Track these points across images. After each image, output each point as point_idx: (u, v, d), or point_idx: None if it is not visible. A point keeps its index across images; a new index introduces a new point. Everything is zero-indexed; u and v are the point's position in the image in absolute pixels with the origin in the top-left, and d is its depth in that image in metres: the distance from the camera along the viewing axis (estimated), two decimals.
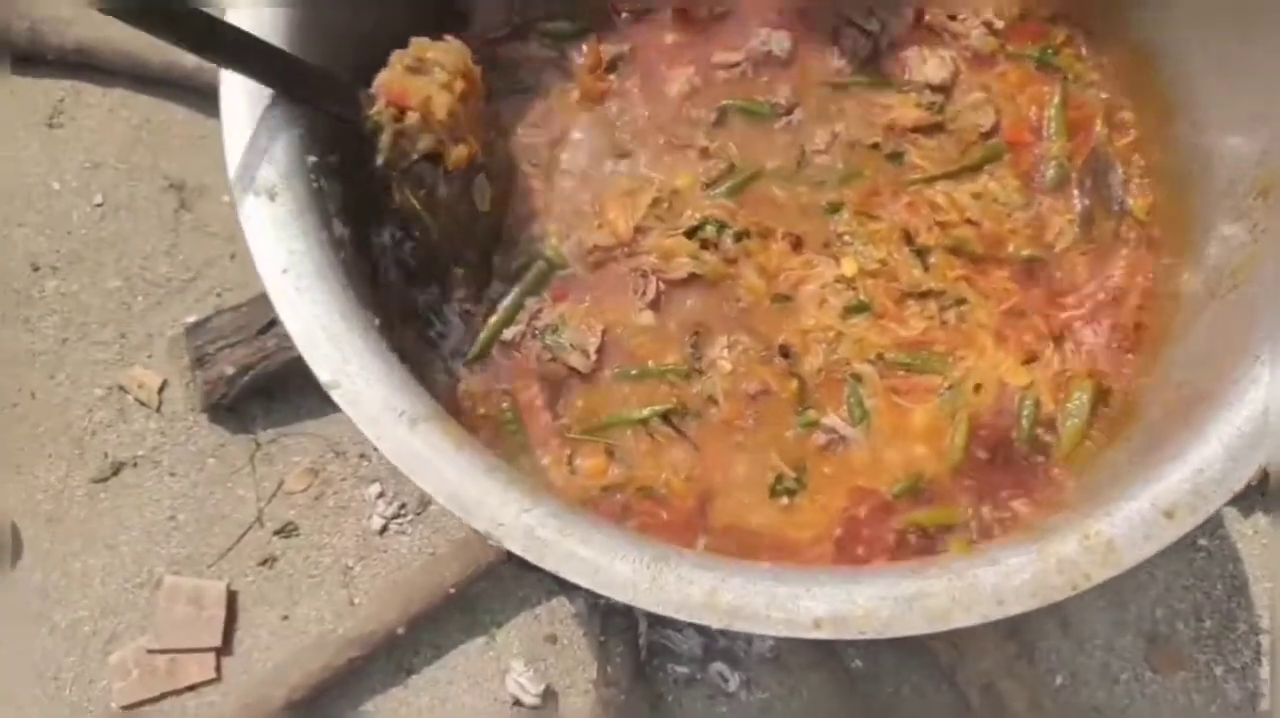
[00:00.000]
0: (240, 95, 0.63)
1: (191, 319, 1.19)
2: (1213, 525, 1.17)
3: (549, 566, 0.58)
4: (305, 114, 0.65)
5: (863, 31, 0.88)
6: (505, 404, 0.81)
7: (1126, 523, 0.58)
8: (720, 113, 0.89)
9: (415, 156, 0.73)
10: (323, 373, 0.59)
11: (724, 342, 0.84)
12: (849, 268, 0.86)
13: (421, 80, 0.72)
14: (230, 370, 1.14)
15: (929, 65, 0.90)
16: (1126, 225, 0.88)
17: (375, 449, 0.59)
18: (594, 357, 0.82)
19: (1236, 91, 0.77)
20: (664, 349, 0.84)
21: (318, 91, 0.68)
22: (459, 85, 0.74)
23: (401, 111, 0.71)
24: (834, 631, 0.56)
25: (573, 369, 0.81)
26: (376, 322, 0.64)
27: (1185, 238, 0.82)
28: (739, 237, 0.86)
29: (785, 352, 0.84)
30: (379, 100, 0.71)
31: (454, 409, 0.78)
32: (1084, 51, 0.91)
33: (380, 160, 0.71)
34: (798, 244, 0.87)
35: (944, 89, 0.90)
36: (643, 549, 0.58)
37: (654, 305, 0.85)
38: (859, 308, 0.85)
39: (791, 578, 0.58)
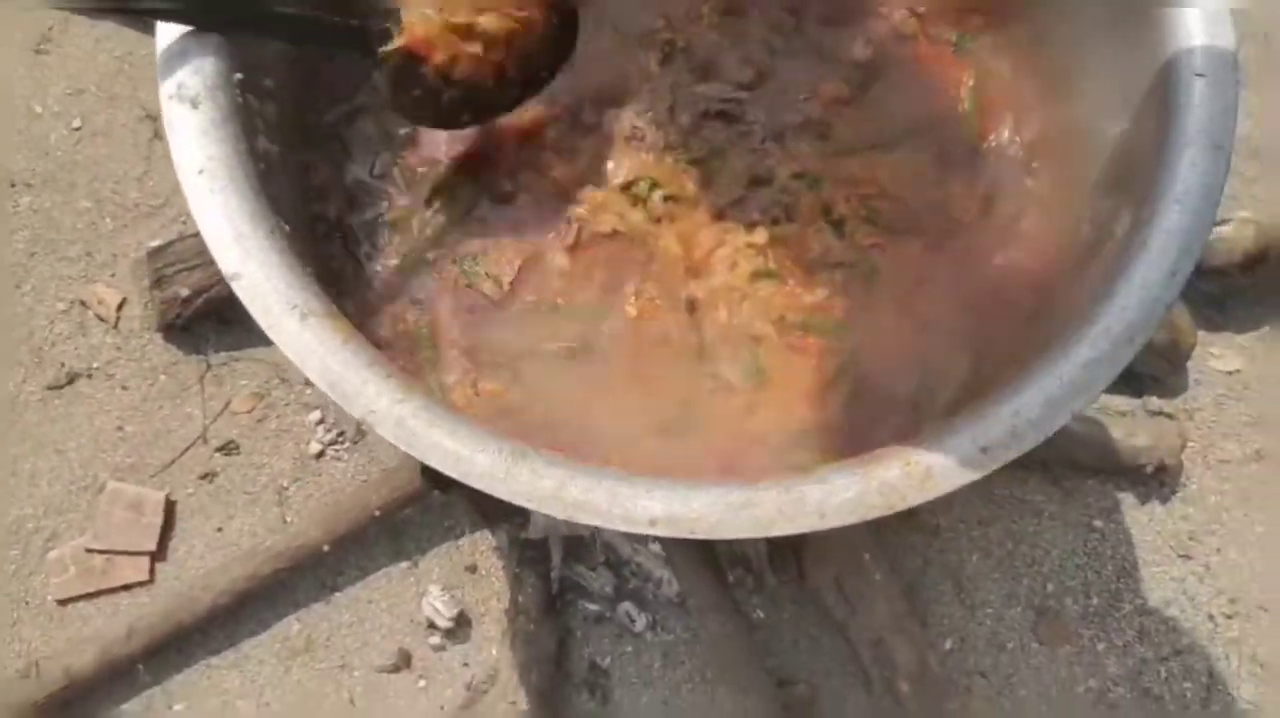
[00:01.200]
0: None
1: (155, 243, 1.25)
2: (1109, 509, 1.22)
3: (416, 453, 0.63)
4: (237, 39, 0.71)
5: (788, 10, 0.93)
6: (422, 322, 0.86)
7: (944, 455, 0.64)
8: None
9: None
10: (226, 266, 0.65)
11: (632, 289, 0.89)
12: (761, 236, 0.91)
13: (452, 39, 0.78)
14: (185, 292, 1.20)
15: (855, 45, 0.96)
16: (1027, 202, 0.93)
17: None
18: (507, 288, 0.88)
19: (1116, 71, 0.82)
20: (574, 289, 0.89)
21: (324, 42, 0.74)
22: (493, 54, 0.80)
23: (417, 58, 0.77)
24: (668, 529, 0.62)
25: (486, 296, 0.87)
26: (287, 228, 0.70)
27: (1071, 214, 0.87)
28: (667, 199, 0.91)
29: (692, 306, 0.90)
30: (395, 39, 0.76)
31: (371, 320, 0.83)
32: (995, 38, 0.96)
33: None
34: (719, 215, 0.92)
35: (866, 66, 0.96)
36: (502, 445, 0.64)
37: (571, 249, 0.90)
38: (767, 274, 0.90)
39: (635, 481, 0.64)
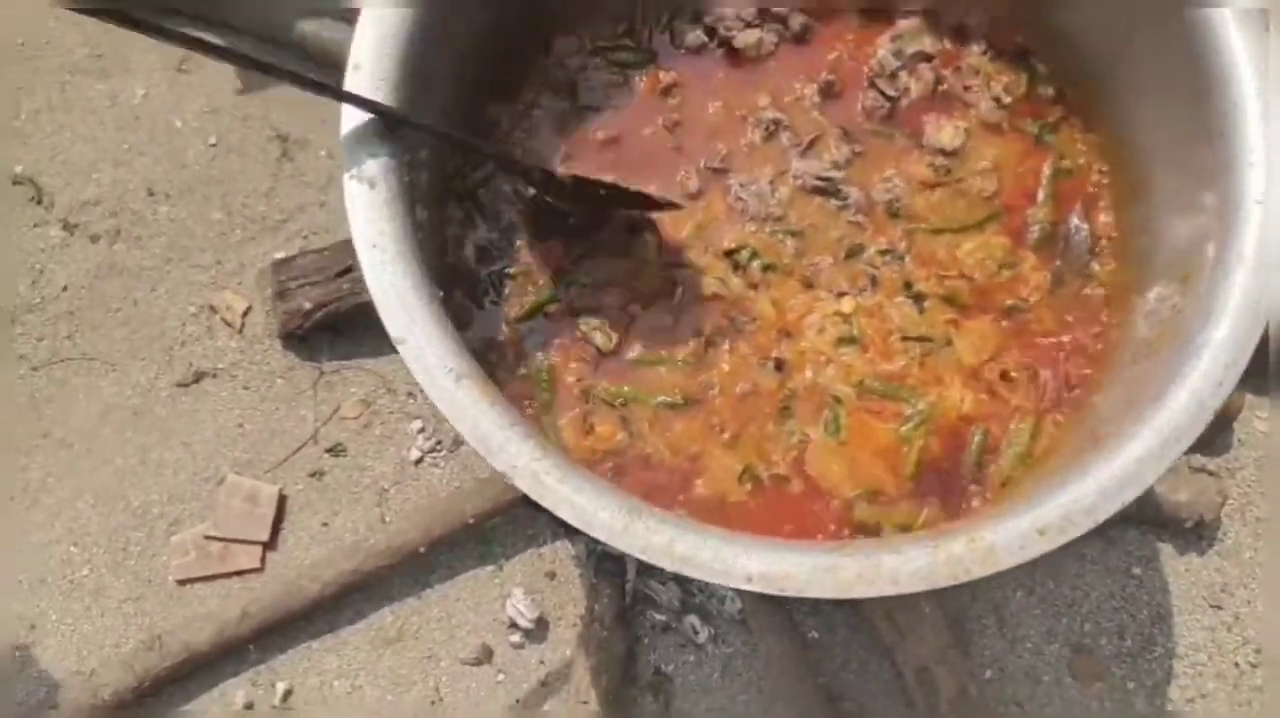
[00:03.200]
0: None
1: (279, 255, 1.36)
2: (1148, 558, 1.31)
3: (547, 504, 0.73)
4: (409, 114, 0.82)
5: (883, 94, 1.02)
6: (542, 368, 0.97)
7: (1006, 534, 0.73)
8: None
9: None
10: (394, 330, 0.75)
11: (727, 346, 0.99)
12: (848, 305, 1.00)
13: None
14: (307, 305, 1.31)
15: (944, 132, 1.04)
16: (1091, 287, 1.01)
17: (423, 393, 0.75)
18: (616, 341, 0.97)
19: (1183, 181, 0.90)
20: (676, 344, 0.99)
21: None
22: None
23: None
24: (762, 585, 0.72)
25: (597, 348, 0.97)
26: (440, 294, 0.80)
27: (1128, 305, 0.95)
28: (766, 267, 1.01)
29: (780, 365, 0.99)
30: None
31: (499, 363, 0.94)
32: (1076, 131, 1.04)
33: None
34: (810, 284, 1.01)
35: (955, 153, 1.04)
36: (622, 502, 0.74)
37: (675, 309, 1.00)
38: (850, 339, 1.00)
39: (736, 541, 0.74)
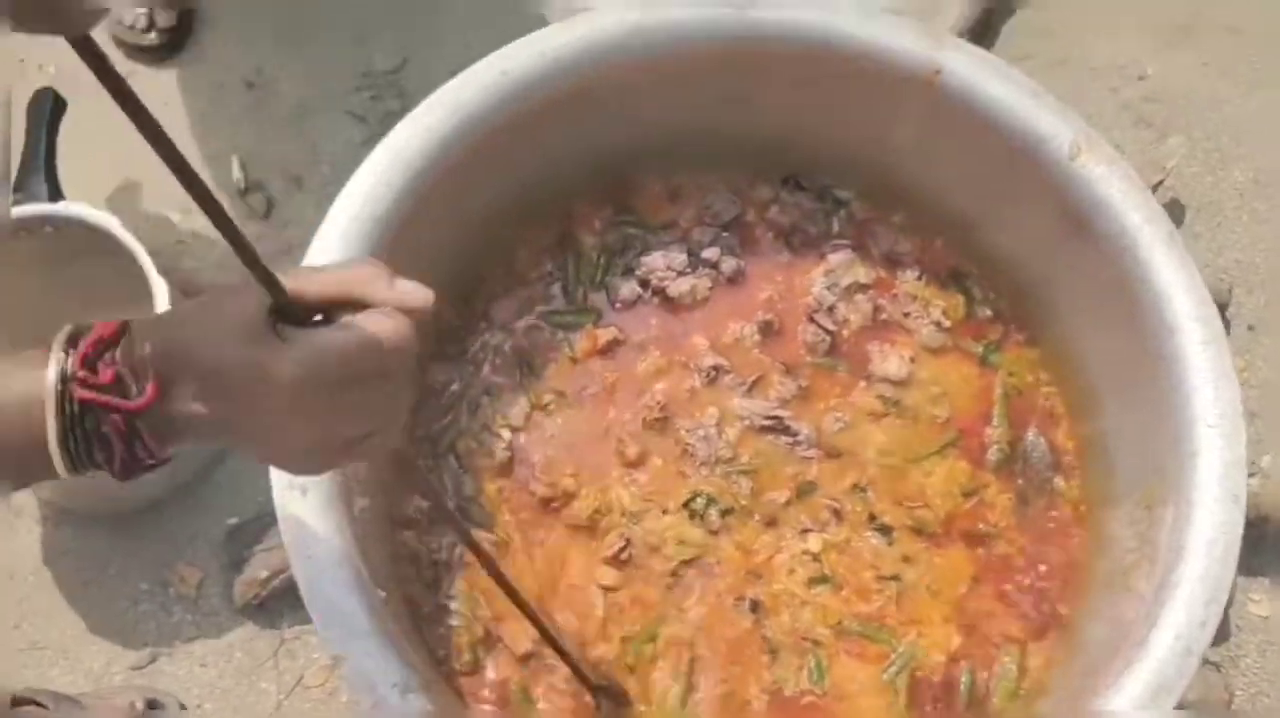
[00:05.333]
0: None
1: (233, 521, 1.33)
2: None
3: None
4: None
5: (823, 329, 1.02)
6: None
7: None
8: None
9: None
10: (331, 648, 0.72)
11: (698, 594, 0.95)
12: (815, 543, 0.97)
13: None
14: (264, 573, 1.27)
15: (889, 362, 1.03)
16: (1058, 506, 0.99)
17: None
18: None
19: (1131, 399, 0.89)
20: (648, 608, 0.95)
21: None
22: None
23: None
24: None
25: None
26: (383, 595, 0.77)
27: (1098, 526, 0.93)
28: (724, 512, 0.98)
29: (755, 607, 0.95)
30: None
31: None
32: (1020, 347, 1.04)
33: None
34: (771, 522, 0.98)
35: (902, 382, 1.03)
36: None
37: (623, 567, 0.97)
38: (824, 580, 0.96)
39: None
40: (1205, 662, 1.29)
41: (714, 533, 0.97)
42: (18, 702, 1.18)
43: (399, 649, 0.73)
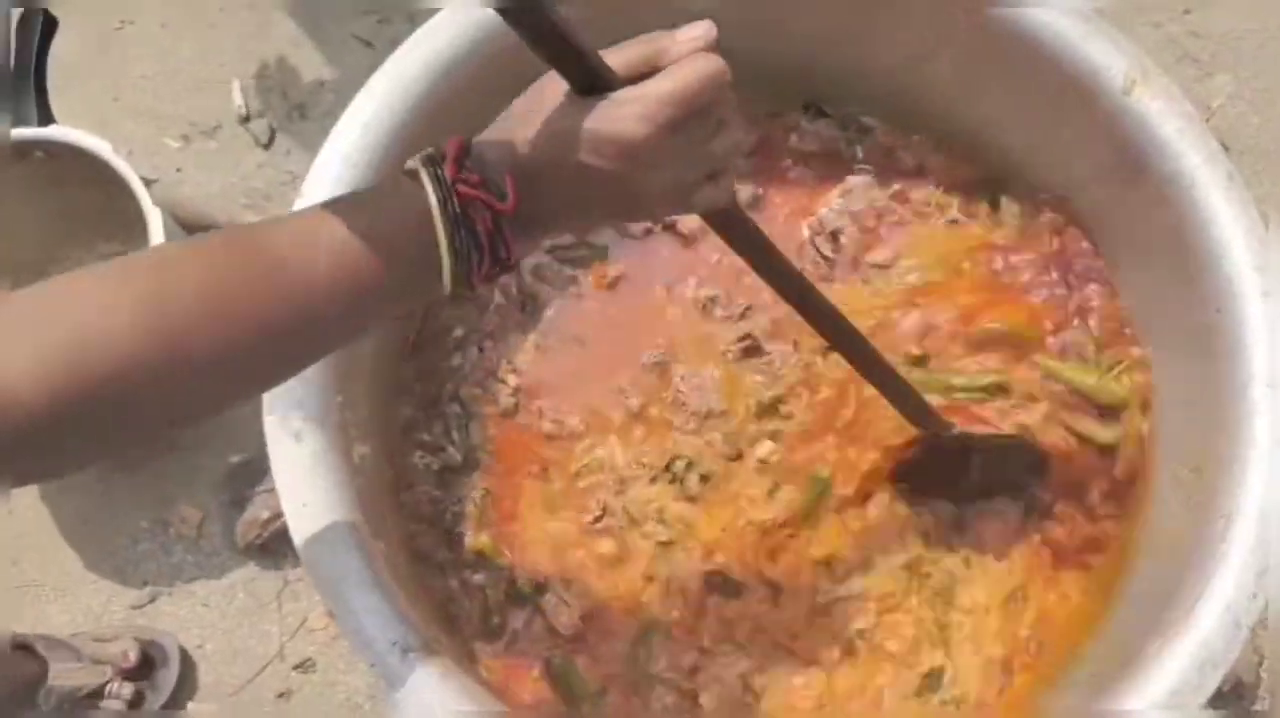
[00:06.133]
0: None
1: (236, 459, 1.29)
2: None
3: None
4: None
5: (820, 254, 0.97)
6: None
7: None
8: None
9: None
10: (328, 604, 0.68)
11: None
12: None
13: None
14: (265, 514, 1.23)
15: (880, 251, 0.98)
16: None
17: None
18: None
19: (1178, 359, 0.84)
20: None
21: None
22: None
23: None
24: None
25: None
26: (382, 547, 0.73)
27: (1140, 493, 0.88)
28: (704, 478, 0.92)
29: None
30: None
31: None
32: None
33: None
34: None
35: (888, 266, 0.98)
36: None
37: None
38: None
39: None
40: None
41: (692, 500, 0.92)
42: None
43: (397, 606, 0.69)
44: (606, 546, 0.90)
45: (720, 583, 0.89)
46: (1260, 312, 0.74)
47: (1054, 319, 0.94)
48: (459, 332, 0.95)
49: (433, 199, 0.51)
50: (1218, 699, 1.20)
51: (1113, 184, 0.86)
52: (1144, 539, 0.83)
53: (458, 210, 0.51)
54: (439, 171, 0.52)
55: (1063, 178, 0.93)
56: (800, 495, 0.91)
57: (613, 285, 0.97)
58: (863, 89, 0.99)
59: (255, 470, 1.27)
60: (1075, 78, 0.84)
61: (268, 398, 0.73)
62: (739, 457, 0.93)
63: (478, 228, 0.52)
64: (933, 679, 0.86)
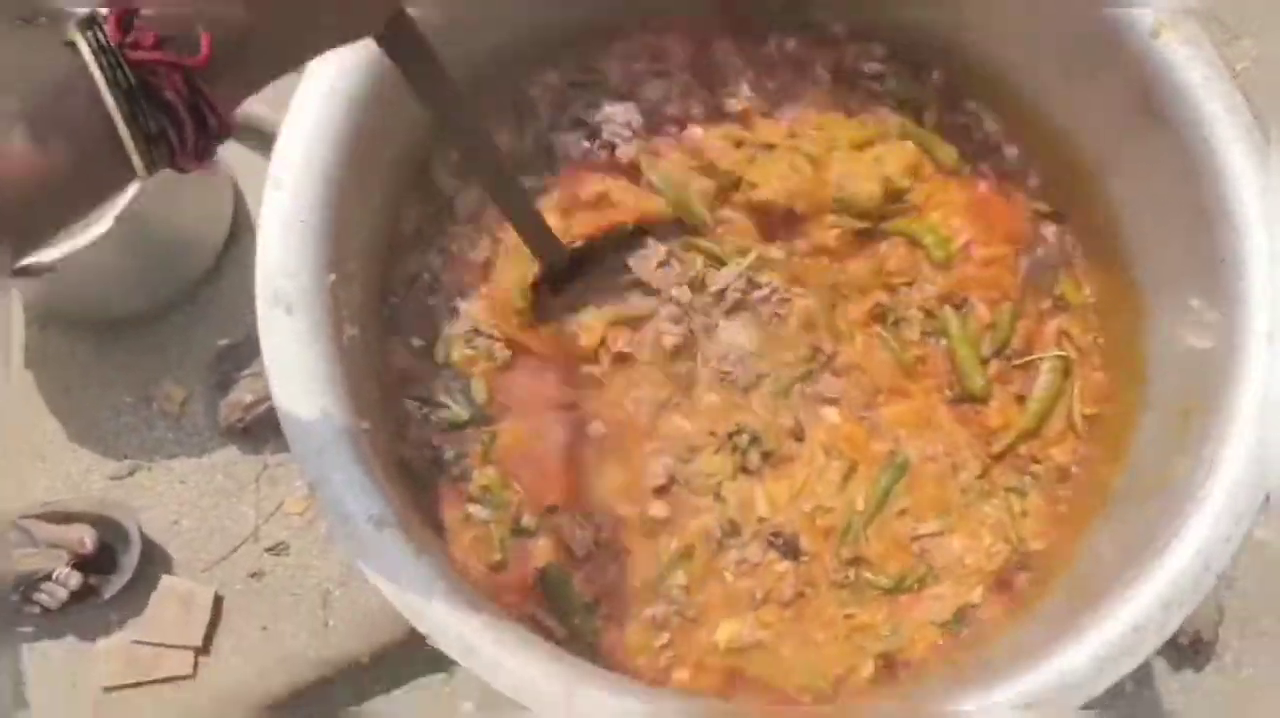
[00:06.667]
0: (275, 214, 0.72)
1: (224, 343, 1.28)
2: (1142, 676, 1.23)
3: (477, 670, 0.66)
4: (330, 234, 0.74)
5: None
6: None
7: (992, 713, 0.66)
8: None
9: None
10: (309, 475, 0.68)
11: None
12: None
13: None
14: (249, 398, 1.23)
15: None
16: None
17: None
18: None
19: (1179, 308, 0.84)
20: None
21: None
22: None
23: None
24: None
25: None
26: (366, 426, 0.73)
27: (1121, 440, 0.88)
28: (766, 455, 0.92)
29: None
30: None
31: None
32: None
33: None
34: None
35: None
36: (563, 672, 0.66)
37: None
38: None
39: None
40: None
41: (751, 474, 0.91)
42: None
43: (376, 481, 0.69)
44: (659, 509, 0.90)
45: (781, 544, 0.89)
46: (1266, 267, 0.74)
47: None
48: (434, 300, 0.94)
49: (96, 73, 0.42)
50: (1175, 653, 1.23)
51: (1130, 127, 0.85)
52: (1124, 481, 0.84)
53: (131, 81, 0.42)
54: (99, 37, 0.43)
55: (1079, 120, 0.92)
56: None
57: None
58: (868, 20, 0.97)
59: (243, 354, 1.26)
60: (1104, 17, 0.82)
61: (261, 269, 0.72)
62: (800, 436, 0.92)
63: (166, 95, 0.43)
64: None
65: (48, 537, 1.18)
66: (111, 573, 1.20)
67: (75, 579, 1.18)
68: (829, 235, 0.94)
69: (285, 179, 0.71)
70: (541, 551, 0.87)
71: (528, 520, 0.87)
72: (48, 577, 1.17)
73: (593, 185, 0.92)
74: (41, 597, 1.18)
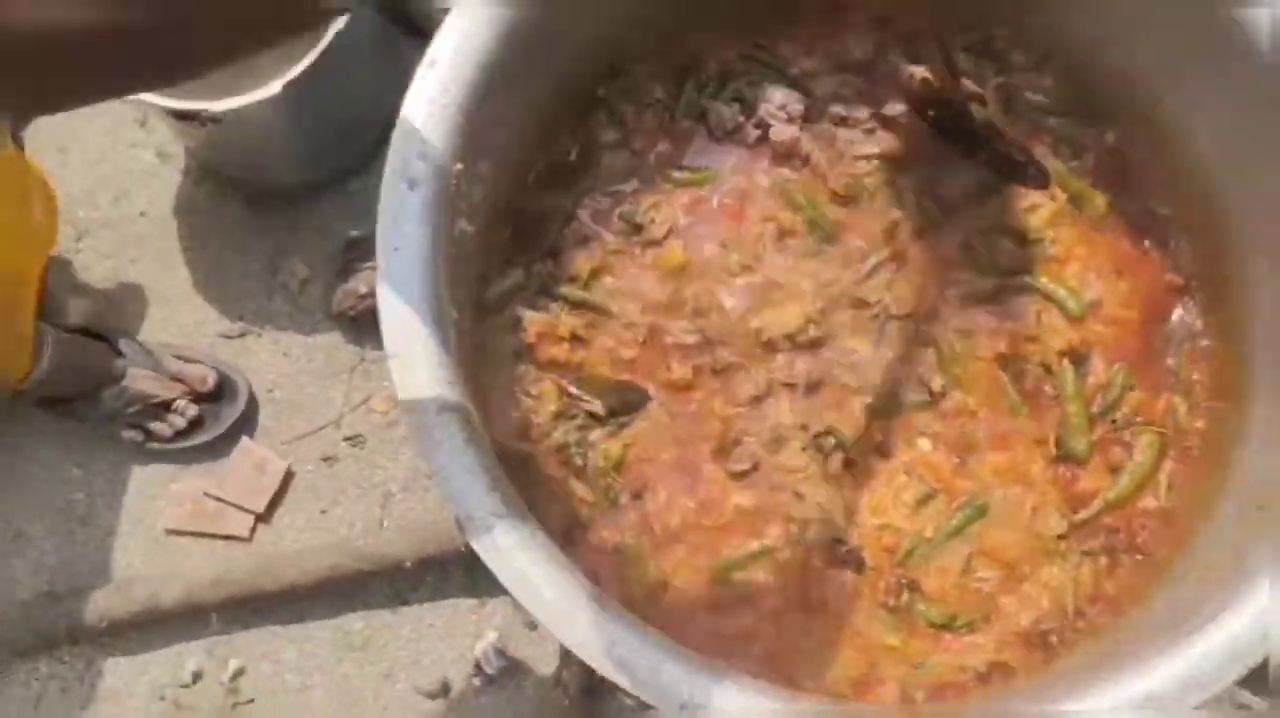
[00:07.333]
0: (423, 92, 0.75)
1: (354, 234, 1.33)
2: None
3: (503, 578, 0.66)
4: (471, 127, 0.76)
5: None
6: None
7: None
8: None
9: None
10: (388, 343, 0.71)
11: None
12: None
13: None
14: (363, 289, 1.27)
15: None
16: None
17: None
18: None
19: None
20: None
21: None
22: None
23: None
24: None
25: None
26: (455, 315, 0.75)
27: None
28: (848, 464, 0.91)
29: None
30: None
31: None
32: None
33: None
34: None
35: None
36: (592, 597, 0.66)
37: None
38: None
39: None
40: (1245, 706, 1.20)
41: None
42: (90, 334, 1.22)
43: (451, 368, 0.71)
44: (746, 499, 0.90)
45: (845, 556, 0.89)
46: None
47: None
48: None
49: None
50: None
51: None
52: (1182, 563, 0.81)
53: None
54: None
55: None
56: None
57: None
58: None
59: (369, 248, 1.30)
60: None
61: (396, 142, 0.74)
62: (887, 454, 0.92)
63: None
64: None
65: (173, 368, 1.24)
66: (210, 417, 1.26)
67: (193, 411, 1.24)
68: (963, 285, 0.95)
69: (440, 59, 0.74)
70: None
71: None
72: (168, 404, 1.23)
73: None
74: (159, 425, 1.24)
